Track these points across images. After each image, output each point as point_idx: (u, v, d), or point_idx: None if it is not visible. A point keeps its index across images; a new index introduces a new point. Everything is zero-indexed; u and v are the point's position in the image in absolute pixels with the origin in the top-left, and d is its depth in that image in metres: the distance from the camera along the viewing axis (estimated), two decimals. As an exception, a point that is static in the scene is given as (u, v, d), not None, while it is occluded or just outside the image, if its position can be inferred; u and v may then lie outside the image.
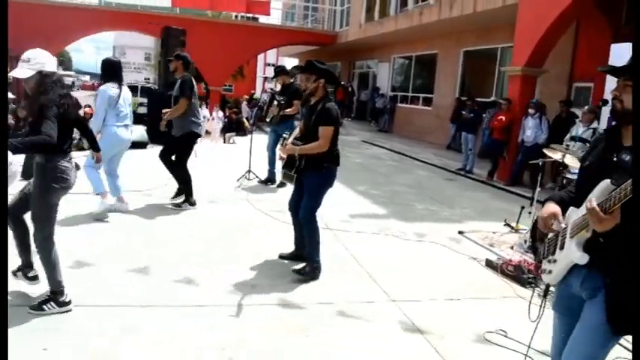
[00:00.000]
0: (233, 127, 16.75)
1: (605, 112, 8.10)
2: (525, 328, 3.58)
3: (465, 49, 16.16)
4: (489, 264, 5.20)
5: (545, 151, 5.97)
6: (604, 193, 1.84)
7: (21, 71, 3.42)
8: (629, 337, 1.97)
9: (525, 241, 5.67)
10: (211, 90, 22.31)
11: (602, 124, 8.19)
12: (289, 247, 4.93)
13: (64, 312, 3.46)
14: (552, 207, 2.13)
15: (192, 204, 6.42)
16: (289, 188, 5.03)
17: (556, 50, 10.51)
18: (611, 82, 7.42)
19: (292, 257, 4.85)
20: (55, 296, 3.47)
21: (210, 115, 16.18)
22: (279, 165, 5.71)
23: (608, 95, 7.77)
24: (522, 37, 10.53)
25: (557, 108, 10.27)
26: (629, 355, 2.92)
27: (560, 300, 2.22)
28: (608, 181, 1.86)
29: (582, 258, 1.95)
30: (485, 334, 3.68)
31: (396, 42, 19.46)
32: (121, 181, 6.02)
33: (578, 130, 8.45)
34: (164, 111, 6.60)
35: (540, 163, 6.28)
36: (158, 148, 6.74)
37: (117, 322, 3.41)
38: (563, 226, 2.07)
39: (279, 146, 4.84)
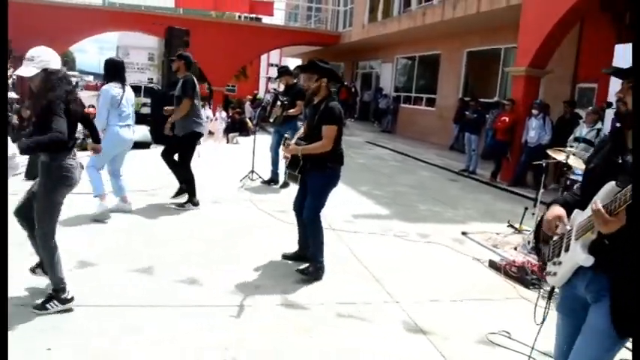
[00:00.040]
0: (236, 127, 16.72)
1: (609, 112, 8.07)
2: (529, 330, 3.58)
3: (469, 49, 16.14)
4: (493, 265, 5.19)
5: (548, 152, 5.95)
6: (609, 195, 1.83)
7: (26, 70, 3.42)
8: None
9: (529, 242, 5.66)
10: (214, 90, 22.32)
11: (606, 125, 8.17)
12: (292, 247, 4.93)
13: (67, 309, 3.47)
14: (557, 209, 2.13)
15: (196, 204, 6.42)
16: (292, 189, 5.04)
17: (560, 51, 10.49)
18: (615, 84, 7.42)
19: (296, 257, 4.84)
20: (58, 294, 3.48)
21: (214, 115, 16.17)
22: (282, 165, 5.71)
23: (611, 96, 7.79)
24: (526, 38, 10.52)
25: (560, 109, 10.24)
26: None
27: (564, 301, 2.21)
28: (613, 183, 1.86)
29: (587, 260, 1.94)
30: (488, 335, 3.67)
31: (400, 42, 19.44)
32: (124, 181, 6.03)
33: (582, 130, 8.43)
34: (166, 108, 6.66)
35: (544, 164, 6.27)
36: (161, 149, 6.76)
37: (117, 321, 3.41)
38: (568, 228, 2.06)
39: (281, 147, 4.83)
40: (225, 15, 27.38)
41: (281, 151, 4.92)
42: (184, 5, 22.52)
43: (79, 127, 3.83)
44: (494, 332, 3.70)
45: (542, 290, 4.43)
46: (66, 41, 21.38)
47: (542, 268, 4.53)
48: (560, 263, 2.12)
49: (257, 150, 8.54)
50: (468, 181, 10.77)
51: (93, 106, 14.07)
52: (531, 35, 10.28)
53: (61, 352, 3.00)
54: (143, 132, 11.32)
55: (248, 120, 17.73)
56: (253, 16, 25.60)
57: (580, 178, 5.69)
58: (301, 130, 4.77)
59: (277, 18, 26.95)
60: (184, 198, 6.51)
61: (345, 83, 22.08)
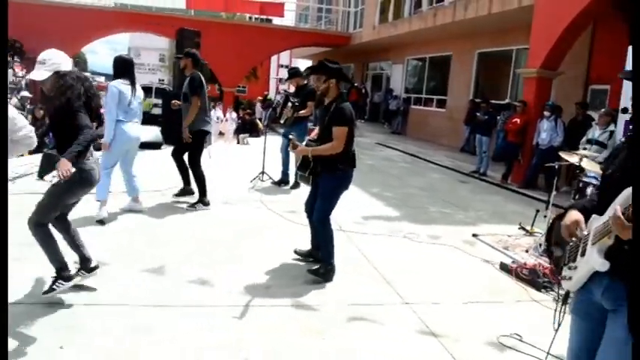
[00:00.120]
0: (247, 128, 16.77)
1: (622, 115, 8.01)
2: (540, 332, 3.58)
3: (480, 50, 16.06)
4: (504, 267, 5.17)
5: (561, 154, 5.92)
6: (627, 200, 1.82)
7: (38, 73, 3.47)
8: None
9: (540, 245, 5.63)
10: (225, 91, 22.41)
11: (619, 127, 8.11)
12: (303, 247, 4.94)
13: (74, 285, 3.61)
14: (575, 214, 2.12)
15: (206, 204, 6.46)
16: (303, 189, 5.04)
17: (572, 52, 10.42)
18: (628, 86, 7.34)
19: (307, 255, 4.85)
20: (61, 273, 3.55)
21: (224, 116, 16.23)
22: (292, 166, 5.72)
23: (624, 99, 7.72)
24: (538, 39, 10.45)
25: (572, 110, 10.17)
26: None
27: (579, 305, 2.19)
28: (630, 188, 1.84)
29: (603, 265, 1.92)
30: (499, 337, 3.65)
31: (410, 43, 19.39)
32: (138, 182, 6.05)
33: (595, 132, 8.37)
34: (173, 102, 6.85)
35: (556, 167, 6.23)
36: (172, 149, 6.82)
37: (121, 321, 3.43)
38: (585, 233, 2.05)
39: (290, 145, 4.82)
40: (236, 16, 27.53)
41: (290, 151, 4.91)
42: (195, 6, 22.63)
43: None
44: (505, 335, 3.68)
45: (557, 294, 4.42)
46: (78, 42, 21.58)
47: (553, 270, 4.52)
48: (575, 268, 2.11)
49: (267, 151, 8.56)
50: (479, 183, 10.72)
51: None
52: (543, 37, 10.22)
53: (64, 351, 3.03)
54: (154, 132, 11.38)
55: (258, 121, 17.76)
56: (264, 17, 25.70)
57: (592, 181, 5.69)
58: (316, 131, 4.74)
59: (288, 19, 27.04)
60: (190, 199, 6.57)
61: (356, 84, 22.07)
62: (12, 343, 2.95)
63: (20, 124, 3.10)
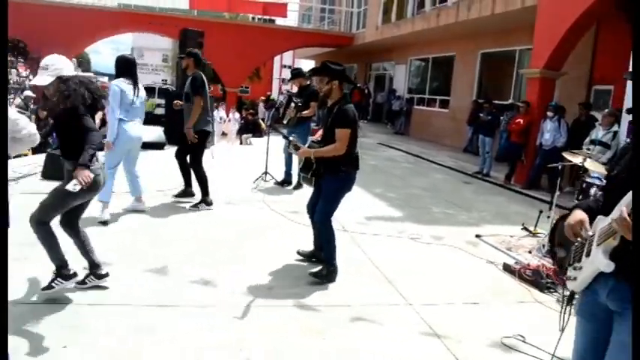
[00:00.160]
0: (249, 128, 16.82)
1: (626, 115, 7.99)
2: (543, 334, 3.56)
3: (483, 51, 16.04)
4: (507, 268, 5.16)
5: (564, 154, 5.90)
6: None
7: (41, 79, 3.53)
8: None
9: (544, 246, 5.62)
10: (228, 91, 22.44)
11: (623, 128, 8.09)
12: (305, 248, 4.94)
13: (71, 285, 3.65)
14: (579, 214, 2.11)
15: (209, 203, 6.46)
16: (305, 190, 5.04)
17: (575, 52, 10.40)
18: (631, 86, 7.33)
19: (310, 256, 4.85)
20: (60, 271, 3.60)
21: (227, 116, 16.26)
22: (295, 167, 5.72)
23: (626, 99, 7.70)
24: (541, 39, 10.43)
25: (576, 111, 10.15)
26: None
27: (584, 306, 2.18)
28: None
29: (608, 266, 1.92)
30: (503, 338, 3.64)
31: (413, 44, 19.38)
32: (141, 182, 6.05)
33: (598, 133, 8.34)
34: (175, 102, 6.91)
35: (559, 167, 6.21)
36: (175, 149, 6.82)
37: (125, 321, 3.43)
38: (591, 233, 2.04)
39: (290, 147, 4.81)
40: (239, 16, 27.55)
41: (291, 152, 4.91)
42: (198, 7, 22.67)
43: None
44: (508, 336, 3.67)
45: (560, 295, 4.40)
46: (81, 43, 21.65)
47: (557, 271, 4.51)
48: (580, 268, 2.10)
49: (270, 151, 8.56)
50: (482, 184, 10.70)
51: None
52: (546, 37, 10.20)
53: (68, 350, 3.04)
54: (157, 133, 11.39)
55: (261, 121, 17.78)
56: (267, 17, 25.72)
57: (596, 181, 5.67)
58: (320, 132, 4.73)
59: (291, 19, 27.11)
60: (190, 200, 6.58)
61: (358, 85, 22.06)
62: (16, 343, 2.95)
63: (22, 124, 3.12)
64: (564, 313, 2.33)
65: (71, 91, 3.43)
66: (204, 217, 6.15)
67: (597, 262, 1.96)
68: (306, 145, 4.60)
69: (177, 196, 6.78)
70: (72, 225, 3.74)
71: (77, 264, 3.90)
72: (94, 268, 3.81)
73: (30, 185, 6.87)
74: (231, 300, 3.91)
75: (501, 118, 12.44)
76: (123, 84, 5.53)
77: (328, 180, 4.39)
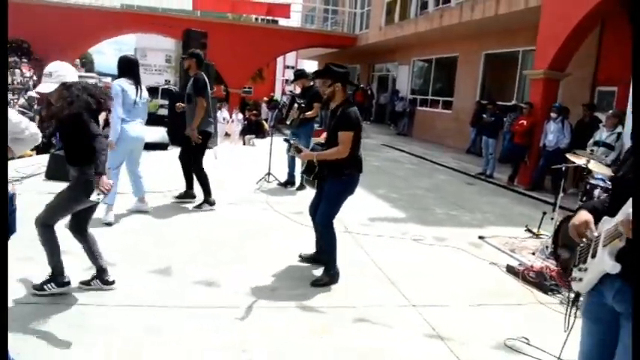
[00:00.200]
0: (252, 129, 16.82)
1: (630, 117, 7.97)
2: (547, 336, 3.56)
3: (486, 52, 16.01)
4: (510, 270, 5.14)
5: (568, 156, 5.89)
6: None
7: (45, 86, 3.56)
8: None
9: (547, 247, 5.60)
10: (231, 92, 22.46)
11: (627, 129, 8.06)
12: (308, 249, 4.94)
13: (63, 292, 3.66)
14: (584, 215, 2.10)
15: (212, 204, 6.46)
16: (309, 191, 5.04)
17: (579, 53, 10.37)
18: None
19: (312, 260, 4.84)
20: (55, 277, 3.63)
21: (230, 117, 16.27)
22: (298, 168, 5.72)
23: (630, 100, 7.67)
24: (545, 40, 10.41)
25: (579, 112, 10.12)
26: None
27: (590, 308, 2.17)
28: None
29: (614, 267, 1.91)
30: (506, 340, 3.63)
31: (416, 45, 19.37)
32: (144, 183, 6.06)
33: (602, 134, 8.33)
34: (178, 105, 6.89)
35: (563, 169, 6.20)
36: (178, 150, 6.83)
37: (128, 321, 3.44)
38: (596, 234, 2.03)
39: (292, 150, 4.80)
40: (242, 17, 27.61)
41: (293, 155, 4.90)
42: (202, 7, 22.72)
43: None
44: (512, 338, 3.66)
45: (564, 297, 4.39)
46: (85, 43, 21.72)
47: (560, 273, 4.49)
48: (586, 269, 2.09)
49: (273, 152, 8.56)
50: (485, 185, 10.68)
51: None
52: (550, 38, 10.17)
53: (72, 350, 3.04)
54: (161, 133, 11.40)
55: (264, 122, 17.79)
56: (270, 18, 25.77)
57: (600, 183, 5.66)
58: (325, 135, 4.72)
59: (294, 20, 27.14)
60: (191, 202, 6.58)
61: (362, 86, 22.06)
62: (22, 343, 2.96)
63: (24, 125, 3.13)
64: (569, 315, 2.33)
65: (74, 98, 3.45)
66: (207, 218, 6.15)
67: (603, 263, 1.96)
68: (310, 148, 4.59)
69: (177, 197, 6.78)
70: (80, 230, 3.77)
71: (82, 264, 3.92)
72: (100, 272, 3.84)
73: (34, 185, 6.88)
74: (234, 301, 3.91)
75: (505, 119, 12.40)
76: (125, 84, 5.53)
77: (331, 182, 4.37)
